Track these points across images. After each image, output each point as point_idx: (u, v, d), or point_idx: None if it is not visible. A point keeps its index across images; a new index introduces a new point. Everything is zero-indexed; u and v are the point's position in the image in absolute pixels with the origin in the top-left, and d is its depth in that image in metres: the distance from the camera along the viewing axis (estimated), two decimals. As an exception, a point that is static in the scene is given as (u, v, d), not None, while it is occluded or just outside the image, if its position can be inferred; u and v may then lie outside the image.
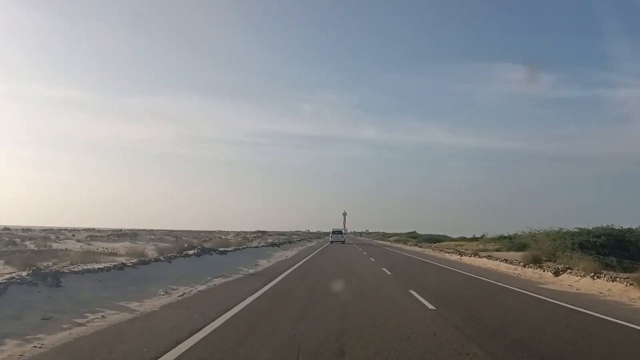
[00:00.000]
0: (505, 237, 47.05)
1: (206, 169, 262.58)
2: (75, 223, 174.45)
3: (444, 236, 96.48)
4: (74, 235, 49.66)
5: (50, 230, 73.82)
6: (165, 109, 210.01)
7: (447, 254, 36.03)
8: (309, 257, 31.70)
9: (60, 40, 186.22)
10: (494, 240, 50.40)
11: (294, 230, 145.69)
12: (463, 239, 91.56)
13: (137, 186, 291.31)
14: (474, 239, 72.92)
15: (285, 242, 49.71)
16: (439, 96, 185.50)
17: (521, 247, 34.95)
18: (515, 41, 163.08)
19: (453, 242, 64.89)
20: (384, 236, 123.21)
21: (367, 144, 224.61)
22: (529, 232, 35.65)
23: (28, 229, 70.01)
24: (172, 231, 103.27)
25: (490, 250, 37.41)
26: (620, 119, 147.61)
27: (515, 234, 46.66)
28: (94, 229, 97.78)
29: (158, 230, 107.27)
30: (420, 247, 52.68)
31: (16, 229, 66.66)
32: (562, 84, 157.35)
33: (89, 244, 39.90)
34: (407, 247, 55.10)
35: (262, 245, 37.49)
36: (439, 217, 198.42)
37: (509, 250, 36.25)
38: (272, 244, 40.83)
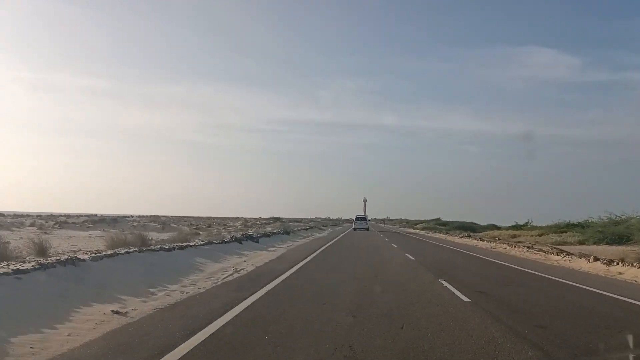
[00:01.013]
0: (574, 225, 36.95)
1: (225, 156, 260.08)
2: (94, 210, 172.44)
3: (474, 223, 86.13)
4: (42, 223, 41.42)
5: (51, 216, 67.98)
6: (186, 97, 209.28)
7: (537, 254, 21.84)
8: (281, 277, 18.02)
9: (84, 29, 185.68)
10: (556, 228, 40.26)
11: (313, 217, 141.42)
12: (494, 226, 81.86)
13: (157, 173, 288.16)
14: (517, 226, 63.13)
15: (279, 232, 35.86)
16: (460, 81, 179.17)
17: (618, 239, 25.04)
18: (540, 24, 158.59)
19: (498, 232, 54.74)
20: (409, 223, 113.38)
21: (387, 131, 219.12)
22: (618, 218, 25.82)
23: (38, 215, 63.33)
24: (173, 217, 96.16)
25: (571, 244, 27.43)
26: None
27: (586, 220, 36.62)
28: (99, 215, 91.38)
29: (165, 216, 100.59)
30: (467, 238, 42.33)
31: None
32: (588, 68, 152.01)
33: (45, 233, 31.61)
34: (452, 239, 42.89)
35: (212, 243, 19.53)
36: (460, 204, 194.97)
37: (598, 243, 26.28)
38: (248, 237, 25.48)
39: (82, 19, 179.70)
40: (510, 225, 64.95)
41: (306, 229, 48.48)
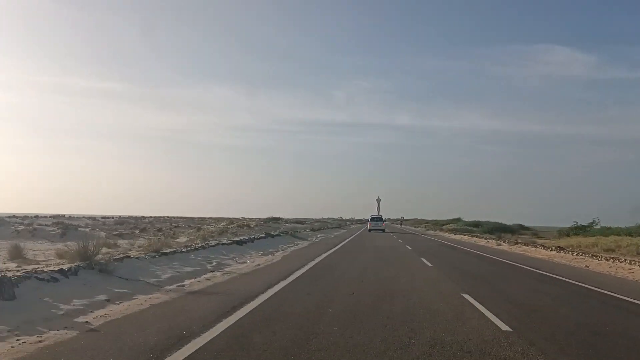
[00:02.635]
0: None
1: (238, 157, 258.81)
2: (111, 211, 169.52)
3: (503, 224, 71.20)
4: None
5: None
6: (200, 99, 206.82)
7: None
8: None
9: (99, 33, 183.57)
10: None
11: (326, 217, 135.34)
12: (522, 227, 67.75)
13: (168, 174, 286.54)
14: (581, 228, 48.80)
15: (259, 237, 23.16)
16: (476, 80, 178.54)
17: None
18: (556, 21, 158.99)
19: (572, 239, 40.28)
20: (431, 225, 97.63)
21: (402, 130, 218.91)
22: None
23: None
24: (173, 218, 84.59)
25: None
26: None
27: None
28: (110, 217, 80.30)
29: (173, 217, 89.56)
30: (533, 247, 27.68)
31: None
32: (605, 65, 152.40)
33: None
34: (510, 249, 29.38)
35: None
36: (476, 203, 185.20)
37: None
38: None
39: (96, 23, 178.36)
40: (573, 226, 50.32)
41: (280, 234, 35.44)
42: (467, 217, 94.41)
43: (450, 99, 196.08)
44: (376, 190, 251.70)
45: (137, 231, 30.98)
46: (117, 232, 27.51)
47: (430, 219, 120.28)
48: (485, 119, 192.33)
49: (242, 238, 19.72)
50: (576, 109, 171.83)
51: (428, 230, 75.22)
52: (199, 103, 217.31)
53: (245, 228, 42.56)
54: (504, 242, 33.63)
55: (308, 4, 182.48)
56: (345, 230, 58.00)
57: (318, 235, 35.86)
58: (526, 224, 74.98)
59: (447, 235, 52.42)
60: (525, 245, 27.63)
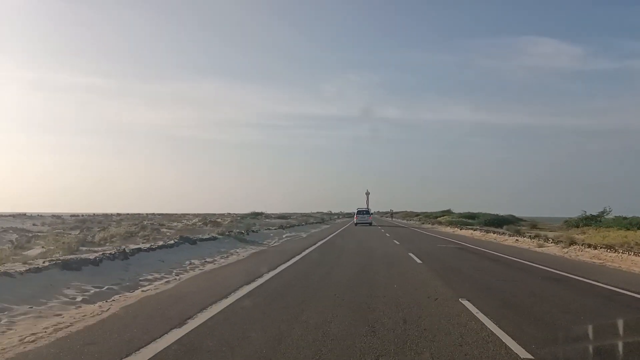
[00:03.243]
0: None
1: (226, 152, 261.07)
2: (91, 209, 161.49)
3: (504, 217, 65.03)
4: None
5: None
6: (186, 94, 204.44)
7: None
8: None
9: (81, 27, 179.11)
10: None
11: (316, 211, 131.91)
12: (514, 217, 61.95)
13: (158, 171, 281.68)
14: (592, 218, 43.53)
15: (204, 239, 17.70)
16: (463, 73, 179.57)
17: None
18: (542, 13, 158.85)
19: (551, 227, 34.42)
20: (424, 217, 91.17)
21: (390, 123, 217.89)
22: None
23: None
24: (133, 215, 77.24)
25: None
26: None
27: None
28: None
29: (154, 214, 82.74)
30: (555, 246, 20.49)
31: None
32: (591, 56, 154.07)
33: None
34: (534, 248, 22.91)
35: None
36: (465, 195, 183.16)
37: None
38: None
39: (78, 16, 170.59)
40: (533, 216, 44.85)
41: (219, 237, 28.66)
42: (456, 209, 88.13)
43: (438, 92, 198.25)
44: (365, 184, 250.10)
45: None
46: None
47: (419, 211, 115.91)
48: (472, 112, 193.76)
49: (131, 248, 12.59)
50: (562, 100, 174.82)
51: (423, 224, 66.78)
52: (185, 97, 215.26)
53: (209, 225, 36.05)
54: (534, 239, 24.58)
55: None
56: (327, 227, 49.83)
57: (285, 235, 27.33)
58: (516, 215, 69.71)
59: (449, 230, 43.77)
60: (587, 248, 18.21)
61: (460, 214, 73.27)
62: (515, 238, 26.58)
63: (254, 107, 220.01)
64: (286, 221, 49.82)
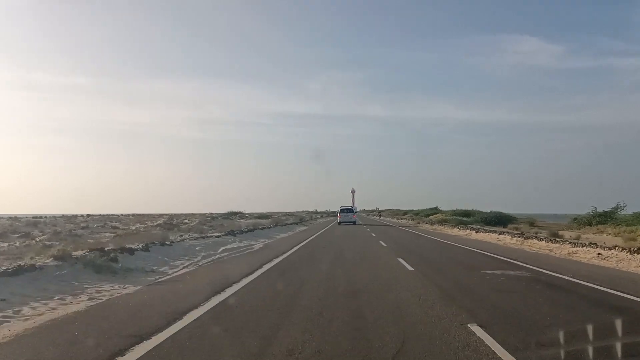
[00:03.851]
0: None
1: (210, 151, 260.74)
2: (78, 210, 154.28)
3: (503, 214, 58.86)
4: None
5: None
6: (170, 93, 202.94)
7: None
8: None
9: (65, 27, 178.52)
10: None
11: (301, 210, 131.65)
12: (501, 214, 56.40)
13: (141, 170, 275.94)
14: (606, 215, 38.86)
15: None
16: (447, 71, 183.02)
17: None
18: (523, 12, 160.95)
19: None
20: (415, 215, 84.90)
21: (375, 121, 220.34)
22: None
23: None
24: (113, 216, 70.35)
25: None
26: (632, 87, 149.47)
27: None
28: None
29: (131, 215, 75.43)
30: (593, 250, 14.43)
31: None
32: (572, 54, 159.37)
33: None
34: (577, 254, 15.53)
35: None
36: (450, 192, 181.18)
37: None
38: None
39: (62, 15, 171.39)
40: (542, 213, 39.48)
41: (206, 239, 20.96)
42: (443, 207, 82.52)
43: (423, 89, 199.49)
44: (351, 182, 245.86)
45: None
46: None
47: (405, 209, 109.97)
48: (456, 109, 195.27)
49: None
50: (544, 97, 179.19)
51: (419, 223, 57.08)
52: (168, 97, 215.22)
53: (175, 230, 29.25)
54: (591, 246, 16.21)
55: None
56: (303, 229, 40.34)
57: (225, 248, 17.93)
58: (504, 212, 63.58)
59: (459, 233, 33.64)
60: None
61: (454, 211, 66.93)
62: (570, 246, 17.89)
63: (238, 105, 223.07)
64: (255, 222, 43.26)
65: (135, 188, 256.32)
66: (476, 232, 30.24)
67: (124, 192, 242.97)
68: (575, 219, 42.89)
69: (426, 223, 54.06)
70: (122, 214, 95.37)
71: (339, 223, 49.29)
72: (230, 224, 34.89)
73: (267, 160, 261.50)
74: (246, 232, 24.77)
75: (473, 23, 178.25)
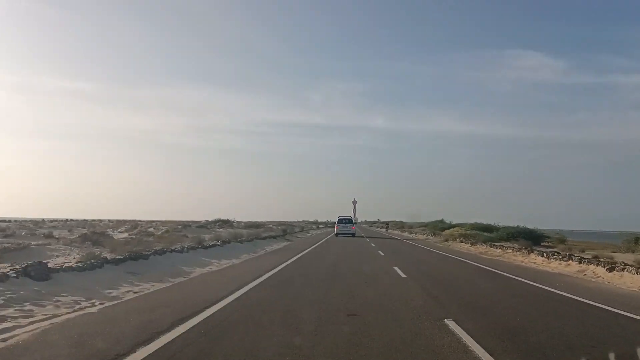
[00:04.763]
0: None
1: (213, 159, 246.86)
2: (79, 214, 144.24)
3: (529, 229, 48.22)
4: None
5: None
6: (173, 100, 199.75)
7: None
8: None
9: (68, 32, 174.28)
10: None
11: (301, 220, 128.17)
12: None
13: (144, 177, 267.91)
14: None
15: None
16: (449, 84, 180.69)
17: None
18: (526, 27, 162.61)
19: None
20: (428, 229, 72.94)
21: (377, 133, 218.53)
22: None
23: None
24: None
25: None
26: (634, 104, 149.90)
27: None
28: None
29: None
30: None
31: None
32: (573, 70, 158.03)
33: None
34: None
35: None
36: (451, 205, 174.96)
37: None
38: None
39: (66, 21, 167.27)
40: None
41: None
42: (449, 219, 73.58)
43: (424, 102, 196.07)
44: (352, 193, 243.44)
45: None
46: None
47: (408, 221, 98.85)
48: (458, 123, 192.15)
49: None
50: (545, 112, 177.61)
51: (447, 240, 42.16)
52: (170, 104, 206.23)
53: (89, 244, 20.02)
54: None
55: (283, 7, 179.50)
56: (280, 247, 29.23)
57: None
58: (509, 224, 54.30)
59: (525, 261, 21.34)
60: None
61: (472, 225, 56.82)
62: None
63: (240, 114, 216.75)
64: (234, 232, 34.10)
65: (128, 193, 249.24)
66: (543, 258, 20.27)
67: (119, 197, 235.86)
68: (626, 240, 33.47)
69: (453, 240, 42.52)
70: (109, 220, 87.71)
71: (337, 234, 45.63)
72: (176, 239, 25.39)
73: (265, 170, 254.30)
74: (160, 254, 15.19)
75: (476, 37, 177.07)
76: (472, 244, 33.83)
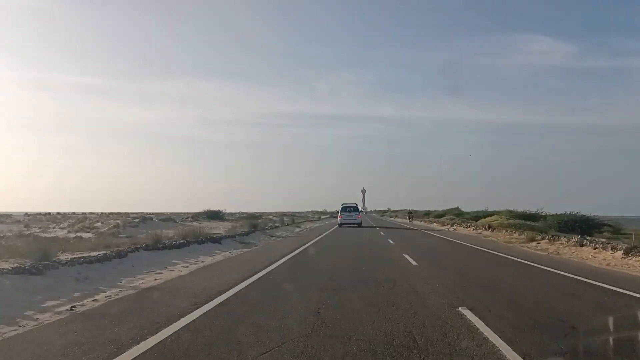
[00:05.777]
0: None
1: (222, 151, 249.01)
2: (90, 208, 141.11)
3: (586, 216, 35.97)
4: None
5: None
6: (182, 93, 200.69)
7: None
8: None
9: (79, 27, 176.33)
10: None
11: (310, 210, 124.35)
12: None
13: (154, 169, 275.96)
14: None
15: None
16: (459, 70, 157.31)
17: None
18: (537, 11, 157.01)
19: None
20: (458, 218, 56.28)
21: (386, 122, 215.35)
22: None
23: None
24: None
25: None
26: None
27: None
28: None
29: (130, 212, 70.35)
30: None
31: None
32: (586, 54, 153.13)
33: None
34: None
35: None
36: (463, 192, 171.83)
37: None
38: None
39: (76, 16, 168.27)
40: None
41: None
42: (463, 207, 67.00)
43: (433, 89, 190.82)
44: (361, 182, 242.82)
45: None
46: None
47: (420, 209, 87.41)
48: (468, 109, 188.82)
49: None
50: (557, 97, 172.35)
51: (517, 242, 25.29)
52: (178, 96, 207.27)
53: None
54: None
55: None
56: (250, 250, 19.79)
57: None
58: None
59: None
60: None
61: (511, 212, 46.28)
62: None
63: (248, 106, 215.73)
64: (192, 229, 24.58)
65: (134, 186, 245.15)
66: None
67: (126, 190, 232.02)
68: None
69: (479, 228, 31.75)
70: (103, 212, 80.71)
71: (340, 225, 40.96)
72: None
73: (275, 160, 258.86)
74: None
75: (485, 22, 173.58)
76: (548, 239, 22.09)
